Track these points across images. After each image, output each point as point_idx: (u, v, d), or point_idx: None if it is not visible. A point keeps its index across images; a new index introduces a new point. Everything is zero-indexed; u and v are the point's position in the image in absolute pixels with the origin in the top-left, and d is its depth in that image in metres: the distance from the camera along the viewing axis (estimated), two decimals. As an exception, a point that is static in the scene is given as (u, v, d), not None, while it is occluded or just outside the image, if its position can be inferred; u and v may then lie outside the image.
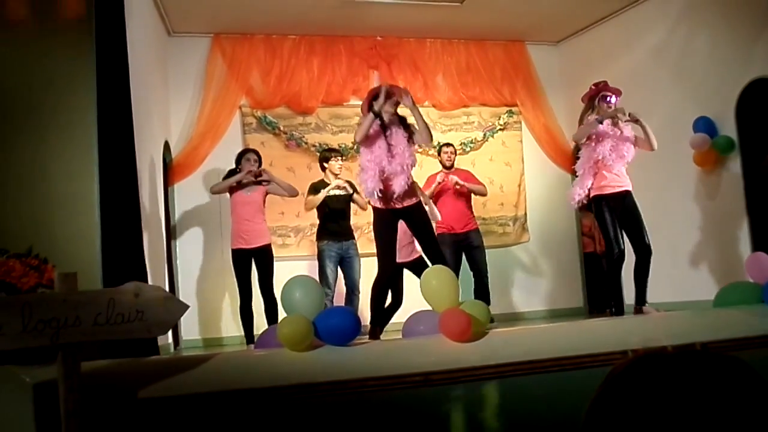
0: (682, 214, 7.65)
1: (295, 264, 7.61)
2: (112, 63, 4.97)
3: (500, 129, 9.32)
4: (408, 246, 6.43)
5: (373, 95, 5.58)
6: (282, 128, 8.51)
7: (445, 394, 3.51)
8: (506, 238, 9.17)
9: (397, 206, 5.41)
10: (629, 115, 5.82)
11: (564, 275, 9.33)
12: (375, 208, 5.51)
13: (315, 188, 6.98)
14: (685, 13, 7.80)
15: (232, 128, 8.39)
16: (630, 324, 4.73)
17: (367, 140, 5.41)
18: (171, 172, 7.97)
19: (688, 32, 7.77)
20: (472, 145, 9.13)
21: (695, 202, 7.65)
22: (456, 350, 3.65)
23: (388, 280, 5.52)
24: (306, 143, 8.57)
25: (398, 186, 5.31)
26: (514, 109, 9.40)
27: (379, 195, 5.35)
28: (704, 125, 7.33)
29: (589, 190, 5.88)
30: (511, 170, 9.33)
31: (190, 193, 8.17)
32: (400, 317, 7.67)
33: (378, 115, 5.38)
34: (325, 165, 7.08)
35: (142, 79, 6.19)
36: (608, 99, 5.94)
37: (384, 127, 5.43)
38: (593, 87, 6.07)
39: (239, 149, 8.35)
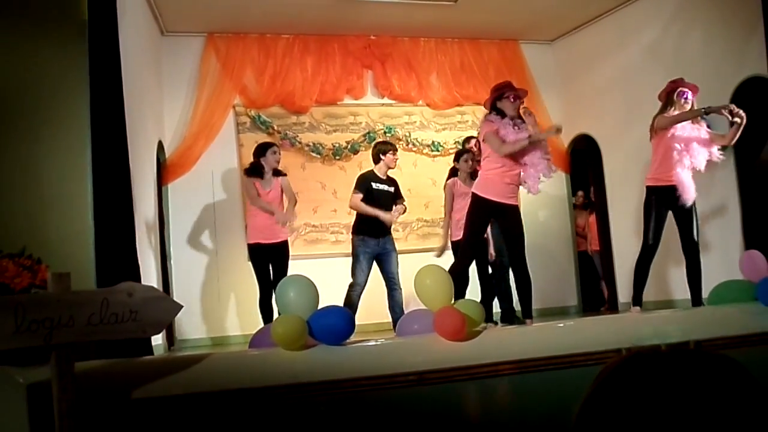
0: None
1: (290, 263, 7.61)
2: (105, 63, 4.95)
3: (494, 128, 9.32)
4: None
5: (498, 94, 5.63)
6: (276, 128, 8.50)
7: (440, 393, 3.51)
8: (501, 236, 9.18)
9: (499, 200, 5.51)
10: (731, 112, 5.67)
11: (558, 274, 9.33)
12: (477, 196, 5.59)
13: (365, 179, 6.87)
14: (679, 12, 7.81)
15: (225, 128, 8.38)
16: (624, 322, 4.73)
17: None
18: (165, 171, 7.96)
19: (681, 30, 7.79)
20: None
21: (689, 200, 7.65)
22: (450, 349, 3.65)
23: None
24: (300, 143, 8.56)
25: (532, 183, 5.51)
26: (508, 108, 9.39)
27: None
28: (698, 124, 7.34)
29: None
30: (506, 169, 9.32)
31: (184, 193, 8.15)
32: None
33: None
34: (382, 157, 6.94)
35: (135, 79, 6.17)
36: (685, 95, 5.86)
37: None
38: (670, 83, 5.99)
39: (233, 148, 8.37)
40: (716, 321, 4.35)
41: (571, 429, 0.88)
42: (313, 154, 8.58)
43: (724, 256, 7.18)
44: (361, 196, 6.78)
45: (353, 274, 6.75)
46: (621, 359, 0.89)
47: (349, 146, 8.68)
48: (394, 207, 6.92)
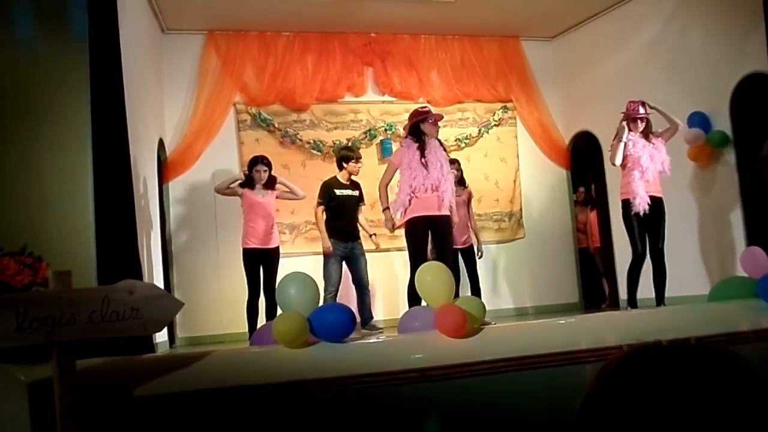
0: (676, 209, 7.64)
1: (290, 261, 7.61)
2: (106, 60, 4.95)
3: (495, 125, 9.33)
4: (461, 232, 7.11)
5: (421, 118, 6.07)
6: (276, 125, 8.50)
7: (442, 390, 3.51)
8: (502, 233, 9.18)
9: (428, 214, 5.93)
10: (648, 106, 6.30)
11: (559, 271, 9.34)
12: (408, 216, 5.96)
13: (327, 187, 7.04)
14: (679, 9, 7.81)
15: (226, 125, 8.39)
16: (625, 319, 4.73)
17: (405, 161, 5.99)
18: (166, 169, 7.97)
19: (681, 27, 7.78)
20: (467, 141, 9.13)
21: (690, 197, 7.66)
22: (452, 346, 3.65)
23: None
24: (300, 140, 8.56)
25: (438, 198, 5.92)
26: (508, 104, 9.40)
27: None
28: (698, 120, 7.35)
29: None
30: (507, 166, 9.33)
31: (185, 190, 8.16)
32: (395, 314, 7.70)
33: None
34: (344, 165, 7.11)
35: (135, 77, 6.17)
36: (632, 118, 6.32)
37: (422, 148, 5.99)
38: (630, 103, 6.42)
39: (234, 146, 8.38)
40: (717, 317, 4.34)
41: (573, 425, 0.88)
42: (314, 152, 8.58)
43: (726, 253, 7.19)
44: (323, 206, 6.99)
45: (324, 278, 6.88)
46: (623, 355, 0.89)
47: (349, 144, 8.68)
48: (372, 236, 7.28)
